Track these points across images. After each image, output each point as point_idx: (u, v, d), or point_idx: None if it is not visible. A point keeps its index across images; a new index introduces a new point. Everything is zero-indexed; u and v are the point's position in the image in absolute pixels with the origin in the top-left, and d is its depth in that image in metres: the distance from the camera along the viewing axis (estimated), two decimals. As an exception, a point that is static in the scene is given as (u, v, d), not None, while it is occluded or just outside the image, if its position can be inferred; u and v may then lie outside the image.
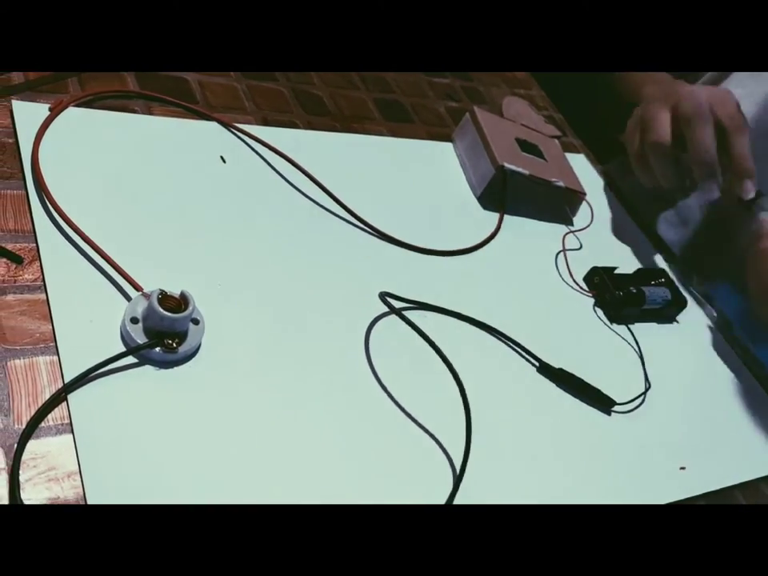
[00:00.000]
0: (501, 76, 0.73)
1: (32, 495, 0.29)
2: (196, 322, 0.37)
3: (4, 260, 0.36)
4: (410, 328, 0.40)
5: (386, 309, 0.42)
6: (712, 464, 0.47)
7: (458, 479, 0.37)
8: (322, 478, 0.35)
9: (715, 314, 0.58)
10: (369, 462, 0.37)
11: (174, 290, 0.36)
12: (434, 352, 0.40)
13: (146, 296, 0.36)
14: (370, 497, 0.35)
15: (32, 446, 0.30)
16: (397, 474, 0.37)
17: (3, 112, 0.42)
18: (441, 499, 0.36)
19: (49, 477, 0.30)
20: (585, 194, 0.57)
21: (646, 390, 0.48)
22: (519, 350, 0.46)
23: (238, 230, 0.43)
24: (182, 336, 0.36)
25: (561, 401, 0.45)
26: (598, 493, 0.41)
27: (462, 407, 0.38)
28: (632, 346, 0.51)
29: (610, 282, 0.53)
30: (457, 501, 0.36)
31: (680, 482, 0.44)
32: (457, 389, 0.39)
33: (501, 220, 0.54)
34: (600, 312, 0.53)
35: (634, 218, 0.64)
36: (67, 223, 0.37)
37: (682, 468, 0.45)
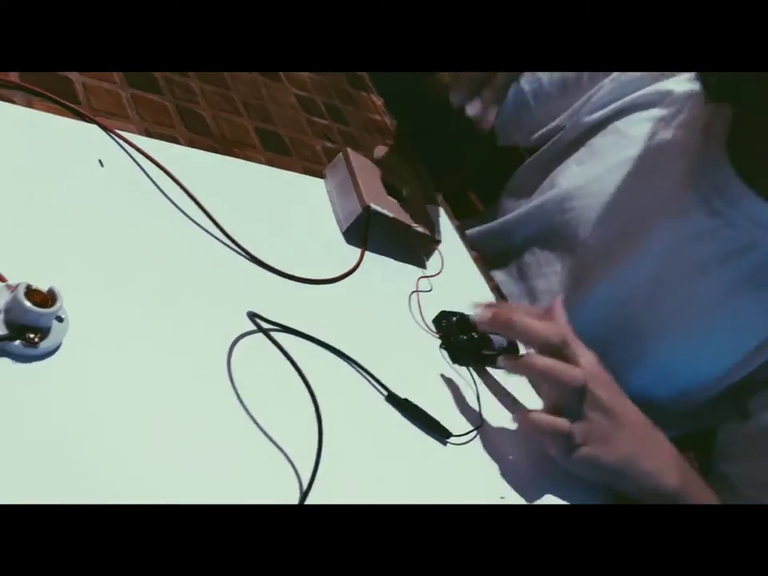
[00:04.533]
0: (375, 124, 0.78)
1: None
2: (60, 319, 0.37)
3: None
4: (271, 349, 0.42)
5: (249, 328, 0.44)
6: (526, 497, 0.52)
7: (304, 494, 0.39)
8: (171, 480, 0.36)
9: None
10: (221, 467, 0.38)
11: (41, 286, 0.36)
12: (292, 372, 0.42)
13: (11, 288, 0.35)
14: (213, 500, 0.36)
15: None
16: (245, 486, 0.38)
17: None
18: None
19: None
20: (440, 241, 0.63)
21: (479, 426, 0.53)
22: (371, 378, 0.49)
23: (111, 235, 0.43)
24: (44, 332, 0.35)
25: (404, 428, 0.49)
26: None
27: (317, 428, 0.41)
28: (470, 386, 0.56)
29: (455, 326, 0.58)
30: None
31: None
32: (313, 409, 0.41)
33: (362, 256, 0.57)
34: (444, 353, 0.57)
35: (480, 268, 0.70)
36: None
37: (502, 498, 0.50)
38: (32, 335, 0.35)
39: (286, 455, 0.41)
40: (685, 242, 0.64)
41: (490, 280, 0.70)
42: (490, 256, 0.75)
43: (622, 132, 0.70)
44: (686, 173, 0.63)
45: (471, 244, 0.73)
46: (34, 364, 0.35)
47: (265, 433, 0.41)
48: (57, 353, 0.36)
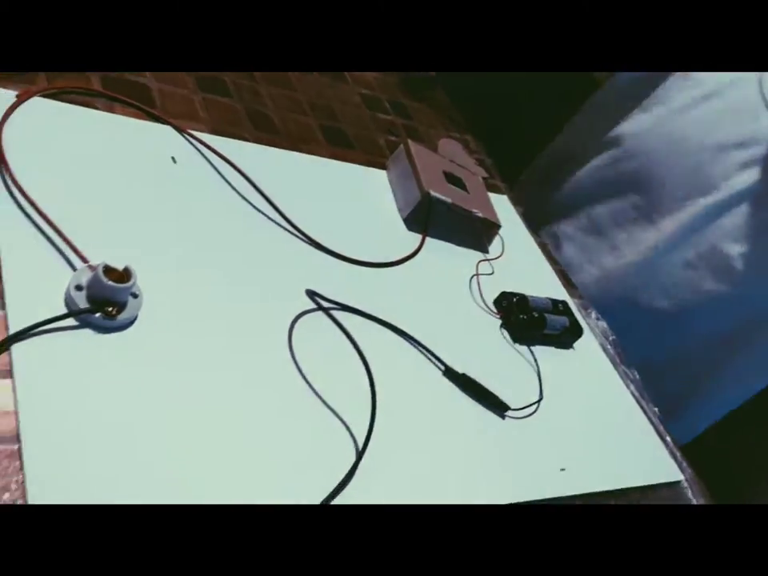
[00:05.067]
0: (439, 118, 0.80)
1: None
2: (135, 295, 0.41)
3: (-37, 223, 0.39)
4: (329, 325, 0.45)
5: (309, 307, 0.47)
6: (589, 471, 0.52)
7: (358, 457, 0.42)
8: (233, 447, 0.39)
9: (609, 346, 0.65)
10: (281, 435, 0.41)
11: (118, 266, 0.40)
12: (349, 348, 0.45)
13: (92, 268, 0.40)
14: (272, 469, 0.39)
15: (-25, 385, 0.34)
16: (297, 456, 0.41)
17: (-27, 94, 0.46)
18: (336, 479, 0.40)
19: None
20: (500, 226, 0.64)
21: (539, 400, 0.54)
22: (428, 354, 0.51)
23: (182, 222, 0.47)
24: (121, 306, 0.40)
25: (461, 402, 0.50)
26: (483, 487, 0.46)
27: (370, 398, 0.43)
28: (530, 364, 0.57)
29: (515, 306, 0.59)
30: (352, 486, 0.40)
31: (559, 482, 0.50)
32: (368, 382, 0.43)
33: (423, 241, 0.59)
34: (505, 333, 0.59)
35: (544, 252, 0.71)
36: (23, 195, 0.41)
37: (562, 469, 0.50)
38: (110, 308, 0.39)
39: (343, 422, 0.43)
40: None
41: (555, 264, 0.71)
42: (553, 206, 0.77)
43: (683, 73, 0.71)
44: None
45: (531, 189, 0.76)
46: (113, 334, 0.39)
47: (325, 403, 0.44)
48: (132, 325, 0.40)
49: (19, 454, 0.33)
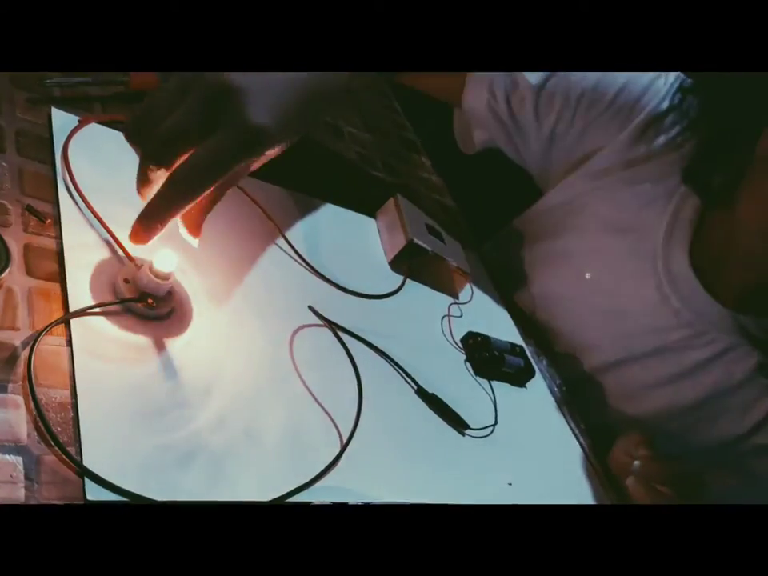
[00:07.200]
0: (423, 182, 0.90)
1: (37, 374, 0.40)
2: (171, 293, 0.48)
3: (34, 218, 0.47)
4: (323, 338, 0.53)
5: (307, 322, 0.55)
6: (534, 488, 0.60)
7: (339, 453, 0.49)
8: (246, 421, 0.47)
9: (555, 389, 0.73)
10: (277, 420, 0.49)
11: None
12: (336, 356, 0.53)
13: (138, 266, 0.48)
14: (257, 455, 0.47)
15: (40, 349, 0.41)
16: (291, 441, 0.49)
17: (43, 114, 0.54)
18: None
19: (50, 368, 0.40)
20: (470, 275, 0.73)
21: (494, 424, 0.62)
22: (404, 374, 0.60)
23: (214, 242, 0.55)
24: (159, 300, 0.47)
25: (428, 417, 0.58)
26: (440, 489, 0.54)
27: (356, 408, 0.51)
28: (488, 395, 0.66)
29: (479, 344, 0.68)
30: (335, 472, 0.48)
31: (507, 494, 0.58)
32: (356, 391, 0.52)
33: (404, 281, 0.68)
34: (468, 366, 0.67)
35: (504, 303, 0.80)
36: (83, 200, 0.49)
37: (509, 484, 0.58)
38: (150, 300, 0.47)
39: (332, 420, 0.51)
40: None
41: (515, 315, 0.80)
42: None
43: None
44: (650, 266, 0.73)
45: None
46: (151, 322, 0.47)
47: (317, 401, 0.52)
48: (169, 318, 0.48)
49: (74, 406, 0.40)
